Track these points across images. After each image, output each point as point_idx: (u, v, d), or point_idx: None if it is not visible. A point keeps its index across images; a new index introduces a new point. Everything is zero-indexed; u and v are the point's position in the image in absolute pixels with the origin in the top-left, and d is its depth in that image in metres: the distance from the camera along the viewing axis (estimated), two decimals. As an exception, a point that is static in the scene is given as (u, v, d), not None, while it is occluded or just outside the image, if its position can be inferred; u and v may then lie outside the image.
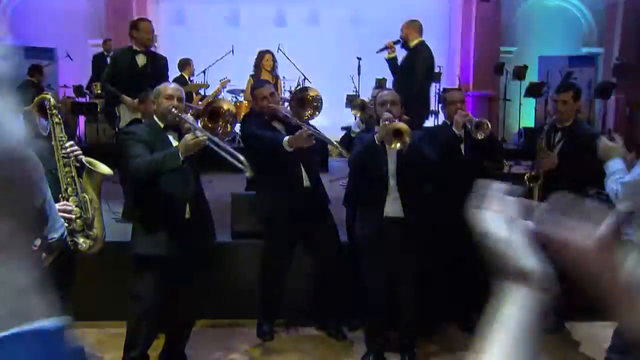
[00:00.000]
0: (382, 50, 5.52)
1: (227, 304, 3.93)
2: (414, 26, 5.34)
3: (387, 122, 3.15)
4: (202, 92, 7.40)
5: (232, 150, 2.93)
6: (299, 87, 7.87)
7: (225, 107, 3.29)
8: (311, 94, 3.74)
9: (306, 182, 3.64)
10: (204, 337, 3.65)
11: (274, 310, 3.78)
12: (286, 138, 3.46)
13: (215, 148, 2.90)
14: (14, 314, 0.31)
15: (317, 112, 3.71)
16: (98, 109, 7.42)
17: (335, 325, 3.79)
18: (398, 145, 3.12)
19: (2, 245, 0.31)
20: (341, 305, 3.81)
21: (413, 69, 5.04)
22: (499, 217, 0.69)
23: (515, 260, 0.66)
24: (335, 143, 3.64)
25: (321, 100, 3.73)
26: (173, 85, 3.19)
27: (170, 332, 3.30)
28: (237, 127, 6.19)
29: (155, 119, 3.11)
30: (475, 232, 0.71)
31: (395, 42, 5.31)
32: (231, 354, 3.57)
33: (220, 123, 3.22)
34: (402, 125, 3.12)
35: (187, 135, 2.90)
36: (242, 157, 2.91)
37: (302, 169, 3.62)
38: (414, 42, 5.19)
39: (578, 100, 3.87)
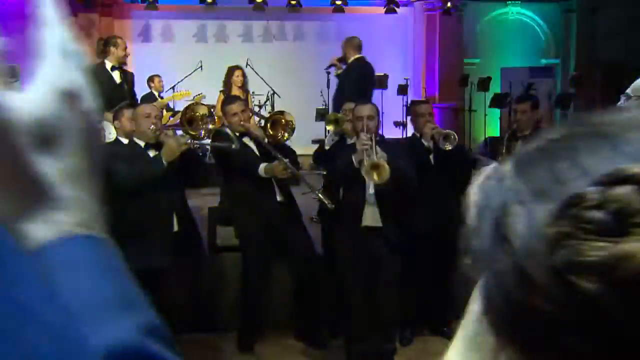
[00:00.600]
0: (329, 67, 5.68)
1: (206, 317, 3.94)
2: (351, 43, 5.54)
3: (364, 157, 3.20)
4: (172, 107, 7.40)
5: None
6: (268, 101, 7.95)
7: (201, 112, 3.43)
8: (287, 118, 3.87)
9: (279, 197, 3.73)
10: (184, 350, 3.65)
11: (254, 322, 3.83)
12: (262, 166, 3.55)
13: (199, 144, 3.06)
14: (85, 226, 0.38)
15: (288, 136, 3.85)
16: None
17: (315, 335, 3.85)
18: (376, 178, 3.20)
19: (83, 175, 0.39)
20: (320, 314, 3.87)
21: (351, 84, 5.21)
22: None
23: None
24: (309, 183, 3.74)
25: (294, 126, 3.87)
26: (149, 105, 3.31)
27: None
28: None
29: (135, 139, 3.17)
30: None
31: (340, 59, 5.48)
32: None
33: (201, 126, 3.34)
34: (380, 162, 3.18)
35: (169, 139, 3.00)
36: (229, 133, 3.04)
37: (274, 184, 3.70)
38: (350, 59, 5.38)
39: (536, 110, 4.09)
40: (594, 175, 0.33)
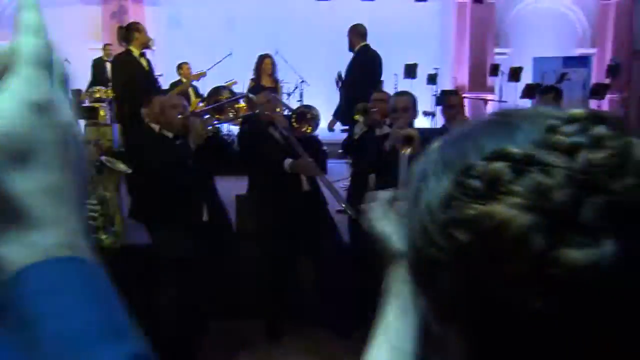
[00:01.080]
0: (339, 86, 5.66)
1: (233, 305, 3.99)
2: (356, 31, 5.48)
3: (397, 129, 3.23)
4: (201, 92, 7.45)
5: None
6: (296, 89, 7.95)
7: (224, 95, 3.44)
8: (313, 113, 3.87)
9: (305, 186, 3.74)
10: (210, 338, 3.71)
11: (281, 311, 3.86)
12: (288, 162, 3.56)
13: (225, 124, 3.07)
14: (67, 247, 0.36)
15: (312, 130, 3.87)
16: (101, 113, 7.48)
17: (340, 324, 3.86)
18: (408, 150, 3.20)
19: (59, 191, 0.37)
20: (345, 303, 3.88)
21: (359, 73, 5.16)
22: (378, 211, 0.83)
23: (390, 244, 0.77)
24: (335, 188, 3.70)
25: (319, 121, 3.90)
26: (174, 96, 3.34)
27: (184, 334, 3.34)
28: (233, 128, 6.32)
29: (164, 131, 3.20)
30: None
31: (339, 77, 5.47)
32: (238, 354, 3.64)
33: (227, 110, 3.35)
34: (412, 132, 3.19)
35: (195, 123, 3.02)
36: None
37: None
38: (356, 47, 5.32)
39: (560, 101, 4.01)
40: (484, 153, 0.42)
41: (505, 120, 0.45)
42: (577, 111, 0.43)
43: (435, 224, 0.43)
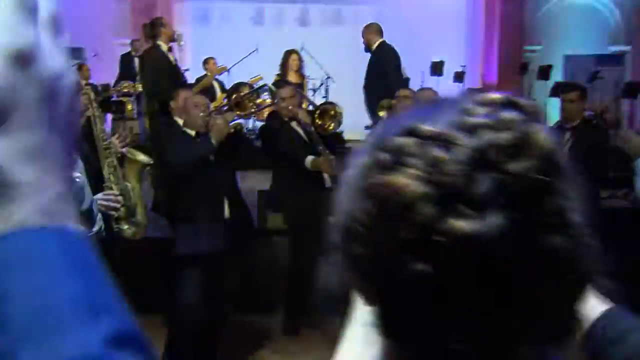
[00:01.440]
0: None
1: (253, 301, 4.00)
2: (373, 29, 5.47)
3: None
4: (228, 88, 7.48)
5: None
6: (322, 85, 7.93)
7: (244, 91, 3.44)
8: (337, 109, 3.85)
9: (328, 184, 3.73)
10: (230, 332, 3.72)
11: (300, 306, 3.85)
12: (309, 159, 3.55)
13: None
14: (46, 214, 0.32)
15: (334, 127, 3.84)
16: (129, 107, 7.59)
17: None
18: None
19: (42, 152, 0.33)
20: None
21: (382, 70, 5.10)
22: None
23: None
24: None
25: (342, 119, 3.88)
26: (198, 95, 3.37)
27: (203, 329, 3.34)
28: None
29: (187, 129, 3.21)
30: None
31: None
32: (256, 350, 3.64)
33: (249, 106, 3.35)
34: None
35: (216, 119, 3.03)
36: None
37: None
38: (375, 45, 5.28)
39: (585, 99, 3.88)
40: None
41: (434, 104, 0.49)
42: (493, 96, 0.46)
43: (351, 195, 0.46)
